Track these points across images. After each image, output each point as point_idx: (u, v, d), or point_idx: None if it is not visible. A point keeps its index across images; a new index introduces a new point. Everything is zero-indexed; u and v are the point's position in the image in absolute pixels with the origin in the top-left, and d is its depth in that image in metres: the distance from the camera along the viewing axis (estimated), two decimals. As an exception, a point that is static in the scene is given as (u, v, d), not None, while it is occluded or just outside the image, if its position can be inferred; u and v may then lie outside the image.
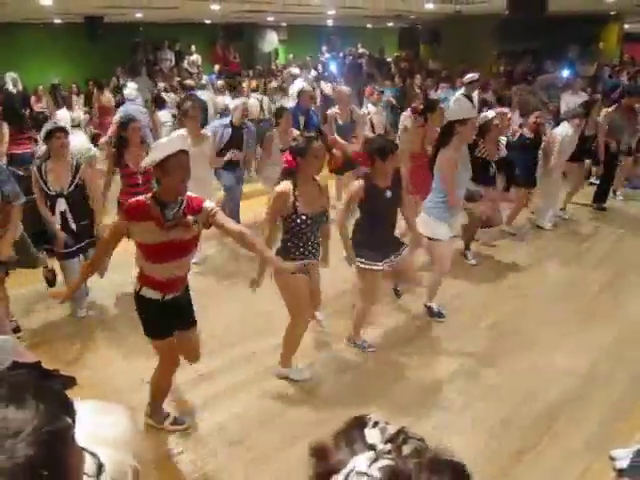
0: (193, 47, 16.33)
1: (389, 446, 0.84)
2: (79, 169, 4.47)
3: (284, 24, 18.48)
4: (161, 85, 11.66)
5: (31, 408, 0.89)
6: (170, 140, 3.07)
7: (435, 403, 3.64)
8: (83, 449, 1.04)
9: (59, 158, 4.43)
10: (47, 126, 4.58)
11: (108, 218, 4.73)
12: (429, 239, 4.49)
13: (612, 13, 13.28)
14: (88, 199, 4.57)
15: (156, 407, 3.39)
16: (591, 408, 3.57)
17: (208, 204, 2.98)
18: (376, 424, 0.89)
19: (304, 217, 3.48)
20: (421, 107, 6.10)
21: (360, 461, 0.83)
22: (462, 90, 8.20)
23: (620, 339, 4.38)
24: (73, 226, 4.47)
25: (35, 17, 12.92)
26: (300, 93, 7.43)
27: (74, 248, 4.53)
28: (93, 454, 1.11)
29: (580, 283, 5.39)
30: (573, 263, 5.84)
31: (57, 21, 14.23)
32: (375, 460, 0.82)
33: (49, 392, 0.96)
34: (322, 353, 4.21)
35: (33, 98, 11.98)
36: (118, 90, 11.29)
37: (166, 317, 3.10)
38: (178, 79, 12.62)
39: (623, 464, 2.85)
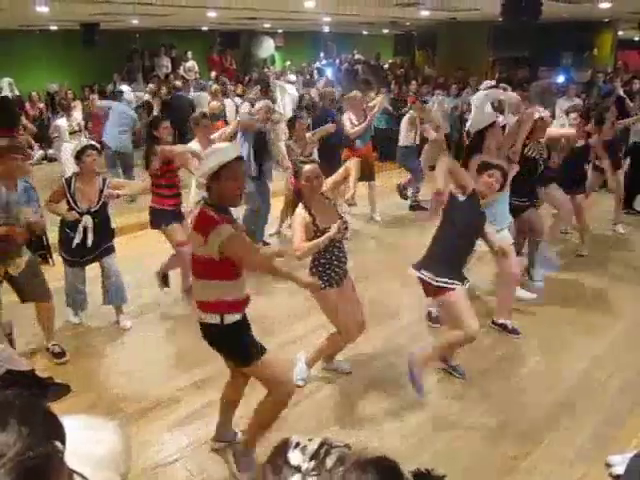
0: (189, 53, 16.36)
1: (313, 463, 0.84)
2: (105, 184, 4.44)
3: (280, 31, 18.55)
4: (150, 86, 11.70)
5: (13, 432, 0.85)
6: (226, 148, 2.89)
7: (430, 409, 3.63)
8: (72, 471, 1.01)
9: (90, 177, 4.39)
10: (79, 144, 4.51)
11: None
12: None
13: (606, 20, 13.36)
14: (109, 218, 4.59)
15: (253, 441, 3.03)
16: (587, 415, 3.57)
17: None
18: (297, 445, 0.89)
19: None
20: None
21: None
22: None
23: (615, 345, 4.39)
24: (90, 242, 4.39)
25: (31, 24, 12.93)
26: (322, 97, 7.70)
27: (85, 258, 4.51)
28: (84, 477, 1.07)
29: (575, 289, 5.40)
30: (567, 270, 5.84)
31: (53, 28, 14.25)
32: None
33: (36, 414, 0.92)
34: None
35: (28, 104, 11.99)
36: (114, 96, 11.29)
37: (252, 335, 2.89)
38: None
39: (619, 470, 2.85)
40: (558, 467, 3.13)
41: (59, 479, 0.91)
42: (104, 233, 4.51)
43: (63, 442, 0.93)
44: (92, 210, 4.36)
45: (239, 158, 2.74)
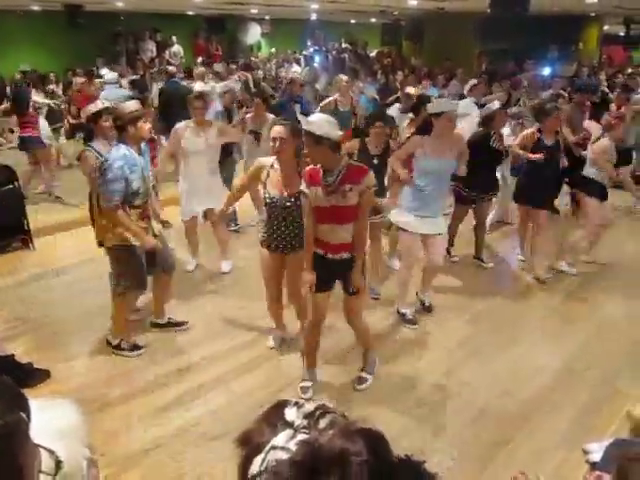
0: (174, 38, 16.15)
1: (306, 422, 0.87)
2: None
3: (267, 17, 18.37)
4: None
5: None
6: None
7: (411, 397, 3.66)
8: (39, 446, 1.00)
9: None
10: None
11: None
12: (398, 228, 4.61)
13: (592, 14, 13.44)
14: None
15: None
16: (565, 403, 3.63)
17: (369, 179, 3.22)
18: (296, 403, 0.92)
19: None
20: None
21: (279, 438, 0.86)
22: (468, 100, 7.80)
23: (595, 336, 4.46)
24: None
25: (13, 4, 12.65)
26: (290, 82, 7.67)
27: None
28: (50, 451, 1.07)
29: (556, 283, 5.47)
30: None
31: (36, 8, 13.95)
32: (293, 436, 0.85)
33: (4, 389, 0.93)
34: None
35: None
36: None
37: (326, 274, 3.39)
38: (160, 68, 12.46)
39: (596, 457, 2.90)
40: (538, 454, 3.18)
41: (24, 448, 0.94)
42: None
43: (28, 416, 0.94)
44: None
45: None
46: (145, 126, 3.79)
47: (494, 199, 6.07)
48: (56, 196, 7.64)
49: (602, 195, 5.44)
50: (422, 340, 4.38)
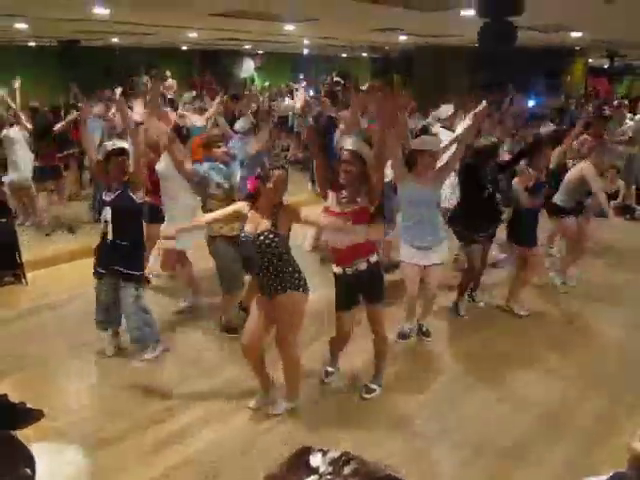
0: (168, 72, 16.38)
1: (331, 468, 0.88)
2: None
3: (260, 51, 18.72)
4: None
5: None
6: None
7: (408, 431, 3.64)
8: None
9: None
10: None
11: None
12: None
13: (577, 48, 13.79)
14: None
15: None
16: (562, 437, 3.60)
17: None
18: (320, 450, 0.93)
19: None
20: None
21: None
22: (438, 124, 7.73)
23: (589, 368, 4.46)
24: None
25: (9, 39, 12.84)
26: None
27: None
28: None
29: (549, 313, 5.48)
30: (541, 294, 5.94)
31: (31, 44, 14.17)
32: None
33: (4, 444, 0.93)
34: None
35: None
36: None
37: (347, 291, 3.75)
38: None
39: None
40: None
41: None
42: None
43: (33, 470, 0.94)
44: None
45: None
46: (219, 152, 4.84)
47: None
48: (46, 233, 7.51)
49: (576, 212, 5.83)
50: (417, 375, 4.35)
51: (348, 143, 3.65)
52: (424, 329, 4.90)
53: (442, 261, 4.68)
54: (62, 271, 6.33)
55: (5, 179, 7.35)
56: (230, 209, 3.66)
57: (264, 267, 3.46)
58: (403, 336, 4.78)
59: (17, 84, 7.93)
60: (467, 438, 3.56)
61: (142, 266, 4.43)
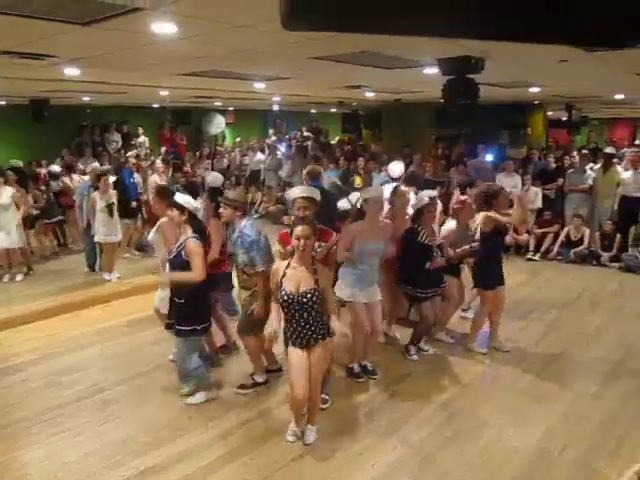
0: (140, 129, 16.50)
1: None
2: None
3: (231, 108, 19.03)
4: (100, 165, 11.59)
5: None
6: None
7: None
8: None
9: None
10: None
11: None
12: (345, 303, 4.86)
13: (537, 102, 14.38)
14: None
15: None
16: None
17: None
18: None
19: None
20: None
21: None
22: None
23: (567, 415, 4.43)
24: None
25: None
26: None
27: None
28: None
29: (525, 360, 5.48)
30: (516, 340, 5.94)
31: (1, 103, 14.16)
32: None
33: None
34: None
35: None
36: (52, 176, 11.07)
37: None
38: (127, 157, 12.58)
39: None
40: None
41: None
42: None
43: None
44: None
45: None
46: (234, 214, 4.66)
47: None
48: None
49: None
50: (391, 431, 4.24)
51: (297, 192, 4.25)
52: (369, 368, 5.05)
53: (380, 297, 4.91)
54: (20, 333, 6.10)
55: None
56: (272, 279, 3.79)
57: (302, 319, 3.63)
58: (356, 375, 4.95)
59: None
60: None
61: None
